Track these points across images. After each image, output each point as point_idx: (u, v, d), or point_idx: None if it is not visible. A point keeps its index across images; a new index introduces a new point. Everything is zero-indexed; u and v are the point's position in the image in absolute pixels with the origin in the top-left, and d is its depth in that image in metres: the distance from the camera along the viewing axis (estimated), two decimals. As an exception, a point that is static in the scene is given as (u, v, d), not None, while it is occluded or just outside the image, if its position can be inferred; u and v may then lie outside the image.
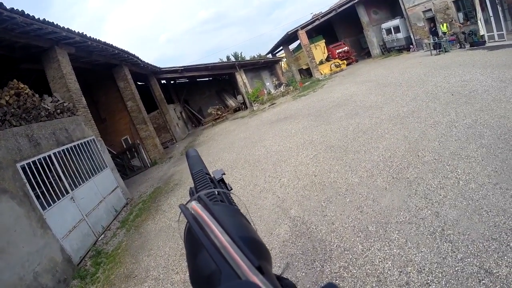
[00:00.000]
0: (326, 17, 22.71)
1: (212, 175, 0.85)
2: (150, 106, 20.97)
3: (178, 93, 27.57)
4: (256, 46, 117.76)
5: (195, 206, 0.51)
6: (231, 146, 11.47)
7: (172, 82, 26.74)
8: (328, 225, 3.99)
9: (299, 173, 6.15)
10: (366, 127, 7.24)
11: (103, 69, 14.88)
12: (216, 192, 0.69)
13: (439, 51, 15.22)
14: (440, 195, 3.67)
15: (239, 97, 26.42)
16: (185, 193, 8.08)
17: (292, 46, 30.77)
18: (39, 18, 7.95)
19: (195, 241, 0.47)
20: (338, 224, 3.91)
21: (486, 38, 14.03)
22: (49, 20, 8.37)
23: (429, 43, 16.09)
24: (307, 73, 27.04)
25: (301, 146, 7.82)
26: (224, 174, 0.85)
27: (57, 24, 8.72)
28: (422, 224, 3.30)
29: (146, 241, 6.06)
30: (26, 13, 7.48)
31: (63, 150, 7.32)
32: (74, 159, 7.65)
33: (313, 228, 4.06)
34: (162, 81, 24.76)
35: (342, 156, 6.07)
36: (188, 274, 0.48)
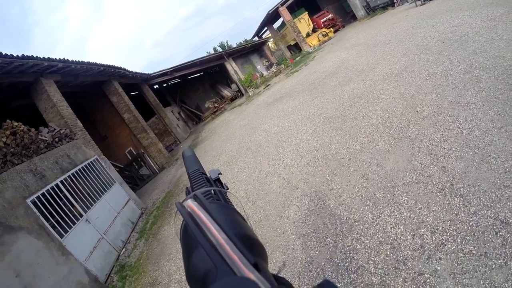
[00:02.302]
0: (304, -12, 22.15)
1: (208, 175, 0.85)
2: (147, 113, 20.89)
3: (173, 95, 27.36)
4: (242, 32, 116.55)
5: (191, 204, 0.51)
6: (233, 136, 11.40)
7: (164, 85, 26.48)
8: (335, 199, 3.90)
9: (300, 150, 6.05)
10: (361, 92, 7.06)
11: (93, 88, 14.85)
12: (213, 191, 0.69)
13: (424, 1, 14.72)
14: (444, 148, 3.55)
15: (234, 86, 26.16)
16: (195, 192, 8.08)
17: (277, 25, 30.16)
18: (17, 55, 7.95)
19: (191, 239, 0.47)
20: (346, 196, 3.82)
21: (470, -23, 13.52)
22: (28, 54, 8.37)
23: (413, -6, 15.60)
24: (296, 48, 26.54)
25: (299, 123, 7.69)
26: (220, 173, 0.85)
27: (36, 56, 8.74)
28: (430, 182, 3.19)
29: (164, 246, 6.09)
30: (4, 54, 7.48)
31: (69, 176, 7.39)
32: (81, 182, 7.73)
33: (321, 204, 3.98)
34: (155, 86, 24.53)
35: (341, 126, 5.94)
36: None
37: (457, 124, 3.83)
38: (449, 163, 3.29)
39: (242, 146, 9.17)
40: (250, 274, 0.37)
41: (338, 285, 1.89)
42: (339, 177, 4.32)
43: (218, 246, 0.41)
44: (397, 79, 6.48)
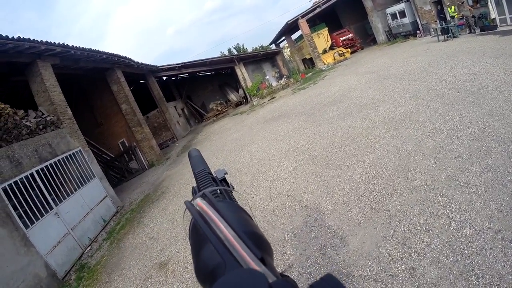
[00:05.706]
0: (327, 4, 21.28)
1: (214, 175, 0.84)
2: (150, 104, 20.51)
3: (179, 89, 26.87)
4: (265, 34, 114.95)
5: (200, 202, 0.52)
6: (221, 149, 10.83)
7: (173, 78, 25.96)
8: (283, 267, 3.27)
9: (273, 190, 5.42)
10: (356, 133, 6.34)
11: (95, 73, 14.44)
12: (219, 191, 0.69)
13: (447, 37, 13.92)
14: (423, 242, 2.82)
15: (241, 91, 25.53)
16: (167, 204, 7.72)
17: (295, 36, 29.30)
18: (13, 37, 7.76)
19: (200, 236, 0.47)
20: (294, 269, 3.18)
21: (498, 21, 12.58)
22: (25, 37, 8.18)
23: (437, 28, 14.79)
24: (310, 62, 25.68)
25: (284, 155, 7.04)
26: (226, 173, 0.84)
27: (34, 39, 8.44)
28: (390, 285, 2.50)
29: (122, 258, 5.79)
30: None
31: (46, 166, 7.21)
32: (58, 173, 7.60)
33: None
34: (164, 78, 24.04)
35: (322, 172, 5.23)
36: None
37: (448, 210, 3.08)
38: (421, 265, 2.58)
39: (224, 165, 8.64)
40: (257, 267, 0.37)
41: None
42: (297, 241, 3.64)
43: (226, 242, 0.42)
44: (398, 127, 5.75)
